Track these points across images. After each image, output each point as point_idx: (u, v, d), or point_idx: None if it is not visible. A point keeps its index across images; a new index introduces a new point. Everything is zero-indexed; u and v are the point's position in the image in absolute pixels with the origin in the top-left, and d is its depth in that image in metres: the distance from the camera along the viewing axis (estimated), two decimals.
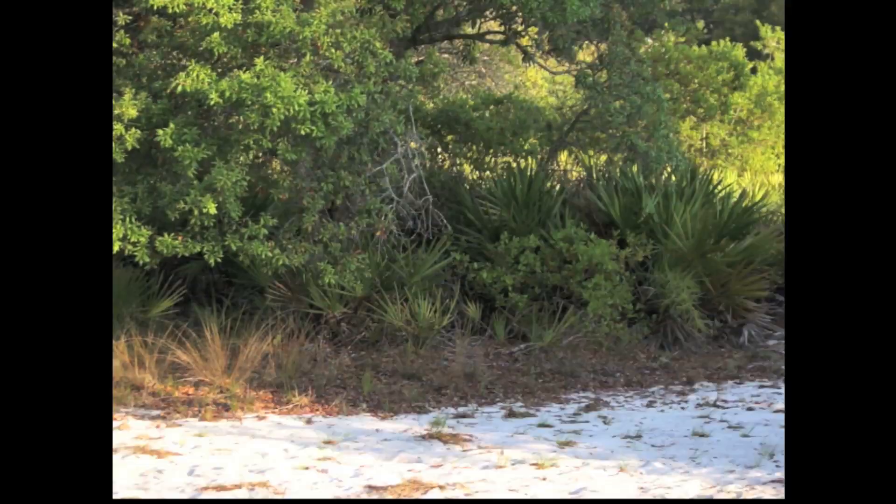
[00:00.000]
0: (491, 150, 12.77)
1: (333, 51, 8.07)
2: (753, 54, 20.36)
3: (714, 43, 16.97)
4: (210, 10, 7.89)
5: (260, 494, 5.82)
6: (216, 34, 7.90)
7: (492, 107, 13.09)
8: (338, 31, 8.19)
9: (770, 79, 17.96)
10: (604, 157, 13.00)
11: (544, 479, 6.16)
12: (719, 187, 12.02)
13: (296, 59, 8.22)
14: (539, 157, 12.59)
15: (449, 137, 12.74)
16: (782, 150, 17.43)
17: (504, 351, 9.71)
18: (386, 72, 8.46)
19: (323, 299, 9.49)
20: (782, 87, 17.34)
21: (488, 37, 11.83)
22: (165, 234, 8.08)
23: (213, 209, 7.83)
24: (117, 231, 7.90)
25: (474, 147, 12.81)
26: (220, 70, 8.16)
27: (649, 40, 14.50)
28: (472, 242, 10.79)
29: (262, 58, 7.86)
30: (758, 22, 22.08)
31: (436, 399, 8.26)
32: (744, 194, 12.19)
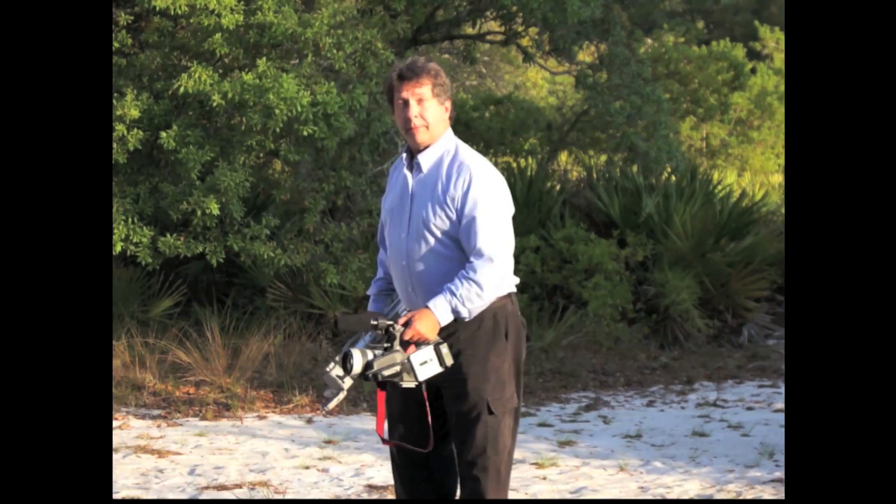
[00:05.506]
0: (491, 150, 12.79)
1: (335, 51, 8.09)
2: (752, 55, 20.38)
3: (714, 43, 17.00)
4: (212, 12, 7.90)
5: (260, 494, 5.83)
6: (218, 35, 7.91)
7: (492, 107, 13.12)
8: (339, 31, 8.20)
9: (769, 79, 17.98)
10: (604, 157, 13.03)
11: (544, 478, 6.18)
12: (719, 187, 12.04)
13: (297, 60, 8.24)
14: (539, 157, 12.62)
15: None
16: (782, 150, 17.45)
17: None
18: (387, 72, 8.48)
19: (324, 299, 9.50)
20: (782, 87, 17.36)
21: (488, 37, 11.84)
22: (167, 235, 8.09)
23: (215, 210, 7.85)
24: (119, 231, 7.91)
25: (474, 147, 12.82)
26: (221, 71, 8.18)
27: (649, 41, 14.52)
28: None
29: (263, 59, 7.87)
30: (756, 22, 22.08)
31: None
32: (744, 194, 12.20)
